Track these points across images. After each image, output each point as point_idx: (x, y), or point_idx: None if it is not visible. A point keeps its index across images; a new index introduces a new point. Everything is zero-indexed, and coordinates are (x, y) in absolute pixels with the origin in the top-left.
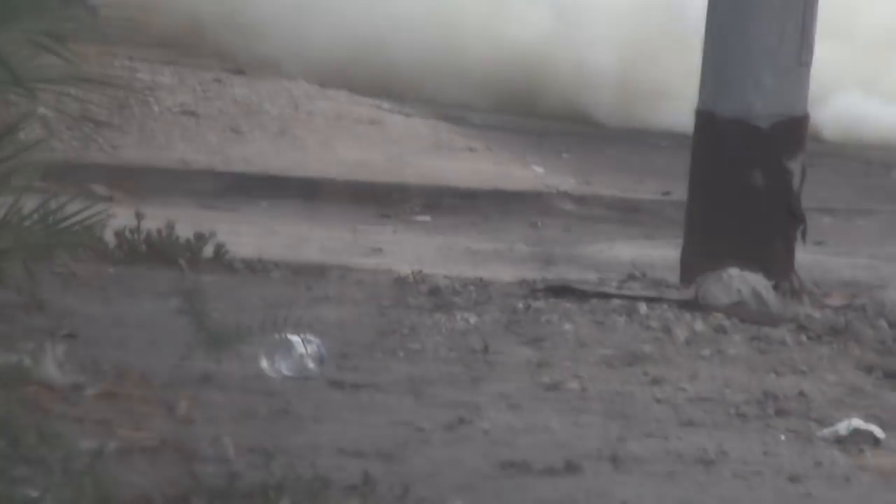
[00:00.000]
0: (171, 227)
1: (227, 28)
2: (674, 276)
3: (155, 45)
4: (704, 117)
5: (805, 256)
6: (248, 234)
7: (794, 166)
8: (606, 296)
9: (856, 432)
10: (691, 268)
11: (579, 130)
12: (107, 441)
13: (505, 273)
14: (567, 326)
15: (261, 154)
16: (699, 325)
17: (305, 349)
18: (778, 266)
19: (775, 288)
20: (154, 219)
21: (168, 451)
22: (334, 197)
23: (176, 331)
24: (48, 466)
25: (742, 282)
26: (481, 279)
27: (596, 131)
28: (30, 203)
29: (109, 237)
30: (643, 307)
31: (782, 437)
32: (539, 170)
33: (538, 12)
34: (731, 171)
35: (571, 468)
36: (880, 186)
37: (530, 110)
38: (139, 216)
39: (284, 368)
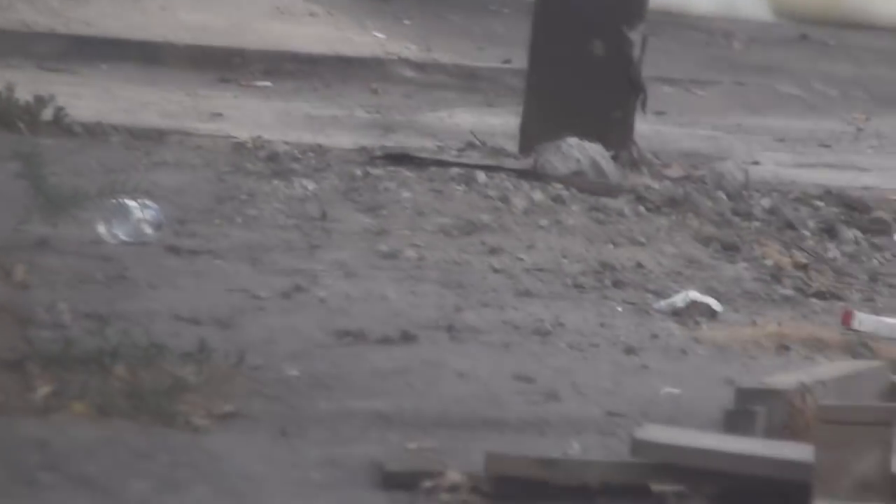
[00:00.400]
0: (10, 89)
1: None
2: (513, 145)
3: None
4: None
5: (645, 127)
6: (87, 97)
7: (635, 35)
8: (445, 164)
9: (692, 304)
10: (530, 137)
11: None
12: None
13: (344, 139)
14: (405, 195)
15: (102, 16)
16: (537, 195)
17: (143, 214)
18: (617, 136)
19: (614, 158)
20: None
21: (3, 316)
22: (175, 61)
23: (13, 195)
24: None
25: (581, 151)
26: (320, 146)
27: None
28: None
29: None
30: (482, 176)
31: (619, 309)
32: (380, 35)
33: None
34: (571, 40)
35: (407, 337)
36: (723, 57)
37: None
38: None
39: (121, 234)
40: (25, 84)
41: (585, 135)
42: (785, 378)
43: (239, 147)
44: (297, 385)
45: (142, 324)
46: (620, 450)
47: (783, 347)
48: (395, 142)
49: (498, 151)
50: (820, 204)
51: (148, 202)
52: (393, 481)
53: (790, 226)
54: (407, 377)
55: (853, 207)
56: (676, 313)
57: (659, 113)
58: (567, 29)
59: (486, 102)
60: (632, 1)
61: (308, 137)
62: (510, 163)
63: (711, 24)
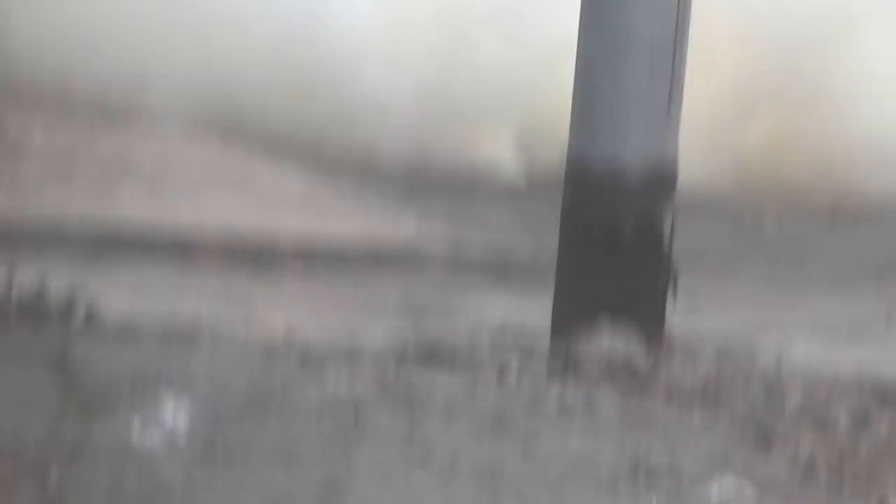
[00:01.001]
0: (42, 285)
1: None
2: (545, 333)
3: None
4: (573, 167)
5: (677, 315)
6: (120, 293)
7: (666, 217)
8: (477, 359)
9: (728, 493)
10: (562, 324)
11: (451, 185)
12: None
13: (377, 332)
14: (438, 393)
15: (133, 212)
16: (569, 388)
17: (176, 419)
18: (650, 325)
19: (647, 350)
20: (26, 275)
21: None
22: (207, 255)
23: (45, 397)
24: None
25: (612, 343)
26: (353, 340)
27: (467, 185)
28: None
29: None
30: (514, 371)
31: (654, 502)
32: (411, 226)
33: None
34: (600, 223)
35: None
36: (754, 240)
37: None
38: (10, 275)
39: (156, 439)
40: (57, 279)
41: (617, 322)
42: None
43: (272, 343)
44: None
45: None
46: None
47: None
48: (428, 333)
49: (530, 342)
50: (854, 393)
51: (180, 405)
52: None
53: (823, 416)
54: None
55: (886, 396)
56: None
57: (690, 300)
58: (596, 213)
59: (517, 289)
60: (665, 182)
61: (341, 331)
62: (542, 356)
63: (742, 207)
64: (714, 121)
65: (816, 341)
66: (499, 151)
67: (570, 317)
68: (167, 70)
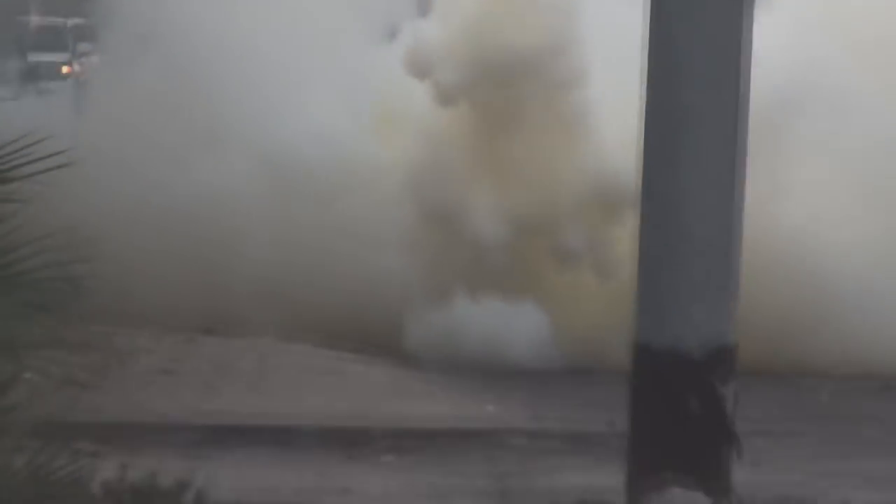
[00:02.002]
0: (152, 477)
1: (198, 290)
2: (620, 501)
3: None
4: (640, 349)
5: (742, 476)
6: (225, 480)
7: (727, 391)
8: None
9: None
10: (636, 492)
11: (527, 370)
12: None
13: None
14: None
15: (233, 406)
16: None
17: None
18: (717, 486)
19: (714, 501)
20: (136, 469)
21: None
22: (303, 442)
23: None
24: None
25: (685, 502)
26: None
27: (542, 370)
28: (20, 460)
29: (96, 489)
30: None
31: None
32: (492, 408)
33: None
34: (668, 399)
35: None
36: (811, 407)
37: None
38: (123, 468)
39: None
40: (166, 472)
41: (687, 486)
42: None
43: None
44: None
45: None
46: None
47: None
48: (512, 499)
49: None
50: None
51: None
52: None
53: None
54: None
55: None
56: None
57: (754, 462)
58: (663, 389)
59: (593, 463)
60: (722, 360)
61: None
62: None
63: (800, 378)
64: None
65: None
66: None
67: (643, 483)
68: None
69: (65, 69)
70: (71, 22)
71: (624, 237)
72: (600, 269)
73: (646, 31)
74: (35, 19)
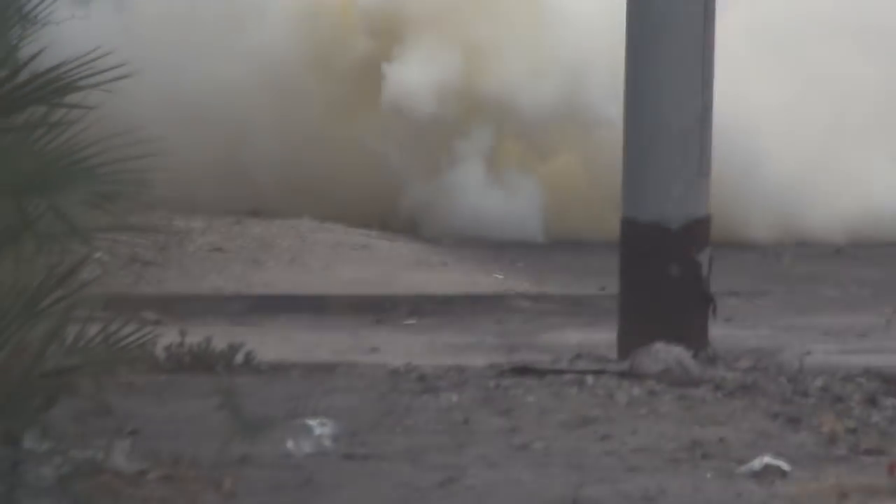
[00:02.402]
0: (208, 341)
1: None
2: (612, 353)
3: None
4: (628, 223)
5: (717, 330)
6: (270, 343)
7: (703, 258)
8: (560, 372)
9: (767, 467)
10: (626, 345)
11: (528, 243)
12: None
13: (478, 360)
14: (530, 398)
15: (277, 279)
16: (636, 390)
17: (322, 430)
18: (696, 339)
19: (695, 357)
20: (194, 335)
21: None
22: (338, 309)
23: (218, 423)
24: None
25: (667, 353)
26: (460, 366)
27: (542, 243)
28: (93, 329)
29: (159, 352)
30: (590, 379)
31: (708, 476)
32: (499, 276)
33: None
34: (652, 265)
35: None
36: (775, 271)
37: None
38: (182, 334)
39: (306, 447)
40: (220, 336)
41: (670, 340)
42: None
43: (394, 373)
44: None
45: None
46: None
47: (843, 496)
48: (519, 358)
49: (601, 359)
50: (862, 381)
51: (325, 420)
52: None
53: (840, 399)
54: None
55: (889, 381)
56: (755, 475)
57: (727, 319)
58: (648, 256)
59: (588, 322)
60: (698, 230)
61: (449, 361)
62: (612, 367)
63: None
64: None
65: (831, 343)
66: None
67: (632, 338)
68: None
69: None
70: None
71: None
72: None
73: None
74: None
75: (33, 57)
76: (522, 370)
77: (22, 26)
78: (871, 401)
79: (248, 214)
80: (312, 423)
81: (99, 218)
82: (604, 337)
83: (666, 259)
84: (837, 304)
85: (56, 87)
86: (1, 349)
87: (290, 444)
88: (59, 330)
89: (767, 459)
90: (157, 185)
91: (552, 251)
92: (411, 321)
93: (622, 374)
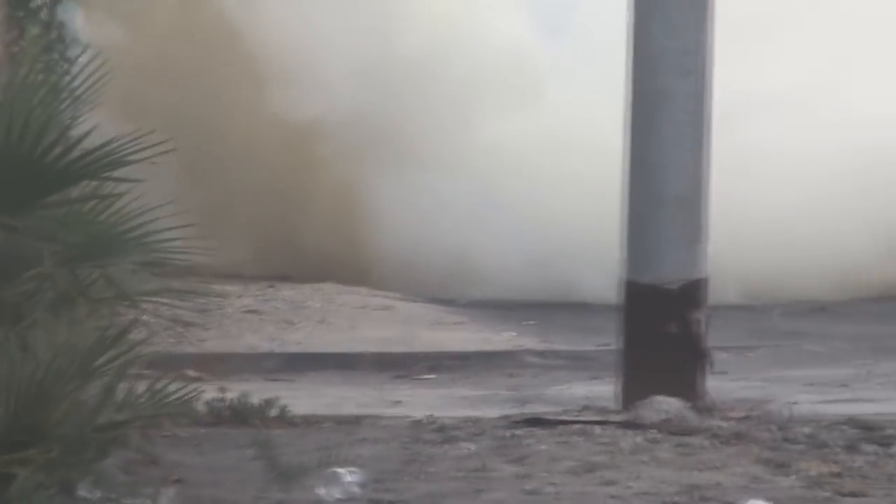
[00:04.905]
0: (245, 396)
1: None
2: (616, 405)
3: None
4: (630, 285)
5: (712, 382)
6: (302, 397)
7: (700, 316)
8: (568, 422)
9: None
10: (628, 397)
11: (537, 303)
12: None
13: (492, 412)
14: (541, 447)
15: (308, 338)
16: (638, 439)
17: (351, 478)
18: (692, 391)
19: (691, 407)
20: (232, 391)
21: None
22: (363, 366)
23: (255, 472)
24: None
25: (667, 405)
26: (475, 417)
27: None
28: (141, 387)
29: (201, 407)
30: (595, 429)
31: None
32: (510, 334)
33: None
34: (652, 323)
35: None
36: (765, 327)
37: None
38: (221, 390)
39: (336, 493)
40: (256, 392)
41: (669, 392)
42: None
43: (416, 424)
44: None
45: None
46: None
47: None
48: (530, 410)
49: (605, 410)
50: (845, 428)
51: (353, 468)
52: None
53: (825, 446)
54: None
55: (870, 428)
56: None
57: (721, 372)
58: (648, 315)
59: (592, 376)
60: (694, 292)
61: (466, 412)
62: (615, 417)
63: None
64: None
65: (815, 393)
66: None
67: (633, 391)
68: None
69: None
70: None
71: None
72: None
73: (629, 31)
74: None
75: (85, 135)
76: (533, 421)
77: (74, 107)
78: (854, 447)
79: (279, 279)
80: (341, 471)
81: (145, 283)
82: (607, 389)
83: (665, 318)
84: (820, 357)
85: (106, 162)
86: (59, 405)
87: (321, 491)
88: (112, 388)
89: (759, 502)
90: (197, 253)
91: (559, 310)
92: (430, 376)
93: (625, 425)
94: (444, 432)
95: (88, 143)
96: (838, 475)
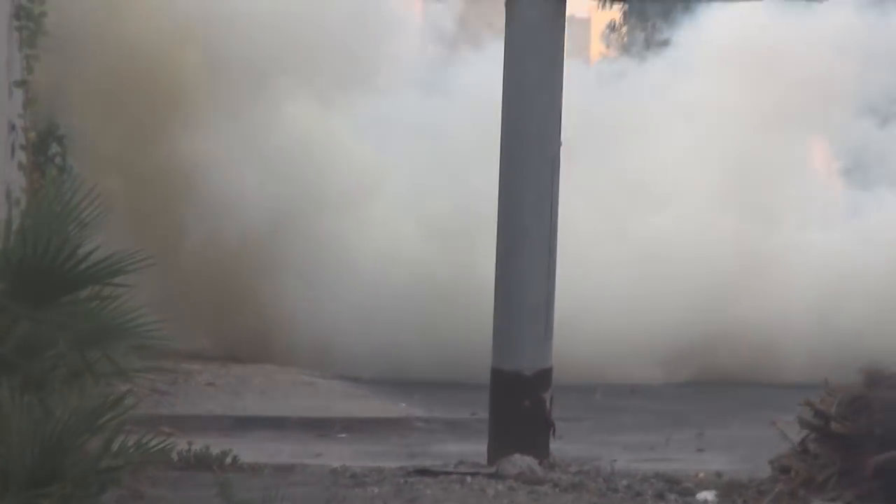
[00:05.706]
0: (206, 448)
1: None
2: (484, 461)
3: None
4: (496, 371)
5: (554, 445)
6: (248, 450)
7: (547, 395)
8: (448, 473)
9: None
10: (493, 455)
11: (427, 380)
12: None
13: (391, 463)
14: (428, 491)
15: (251, 405)
16: (500, 487)
17: None
18: (541, 451)
19: (540, 464)
20: (197, 444)
21: None
22: (293, 427)
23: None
24: None
25: (522, 461)
26: (379, 468)
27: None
28: (131, 439)
29: (174, 456)
30: (469, 478)
31: None
32: (403, 405)
33: None
34: (513, 400)
35: None
36: (590, 404)
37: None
38: (189, 443)
39: None
40: (214, 445)
41: (524, 452)
42: None
43: (334, 472)
44: None
45: None
46: None
47: None
48: (419, 463)
49: (476, 465)
50: (654, 481)
51: None
52: None
53: (639, 494)
54: None
55: (672, 481)
56: None
57: (560, 437)
58: (510, 395)
59: (465, 438)
60: (545, 377)
61: (371, 464)
62: (483, 470)
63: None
64: None
65: (631, 454)
66: None
67: (497, 450)
68: None
69: None
70: None
71: None
72: None
73: (505, 103)
74: None
75: (91, 252)
76: (422, 471)
77: (79, 228)
78: (661, 496)
79: (231, 359)
80: None
81: (135, 363)
82: (477, 448)
83: (522, 396)
84: (633, 427)
85: (107, 272)
86: (71, 453)
87: None
88: (111, 440)
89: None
90: (172, 340)
91: (440, 387)
92: (343, 435)
93: (491, 476)
94: (356, 478)
95: (94, 257)
96: None
